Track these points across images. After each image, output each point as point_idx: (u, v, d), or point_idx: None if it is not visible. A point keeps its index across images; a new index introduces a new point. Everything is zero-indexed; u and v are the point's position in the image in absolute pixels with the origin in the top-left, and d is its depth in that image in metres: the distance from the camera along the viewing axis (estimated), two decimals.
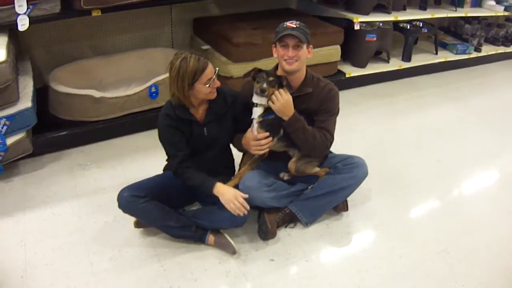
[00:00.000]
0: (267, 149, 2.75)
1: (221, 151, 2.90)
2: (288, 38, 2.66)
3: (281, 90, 2.65)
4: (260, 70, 2.71)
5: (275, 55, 2.81)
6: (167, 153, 2.76)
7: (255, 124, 2.72)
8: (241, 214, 2.59)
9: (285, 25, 2.70)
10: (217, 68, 2.64)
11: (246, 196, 2.62)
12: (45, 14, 3.38)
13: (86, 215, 3.03)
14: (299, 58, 2.71)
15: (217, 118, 2.75)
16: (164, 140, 2.69)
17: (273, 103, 2.64)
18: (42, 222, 2.96)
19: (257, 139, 2.70)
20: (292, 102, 2.66)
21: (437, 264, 2.82)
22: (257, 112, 2.71)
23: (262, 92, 2.61)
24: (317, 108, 2.83)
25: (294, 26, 2.67)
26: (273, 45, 2.80)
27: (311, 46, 2.79)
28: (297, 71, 2.76)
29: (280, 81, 2.67)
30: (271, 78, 2.63)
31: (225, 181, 2.80)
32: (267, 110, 2.70)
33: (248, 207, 2.61)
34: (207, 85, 2.55)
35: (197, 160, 2.70)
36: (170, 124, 2.63)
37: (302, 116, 2.71)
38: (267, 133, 2.70)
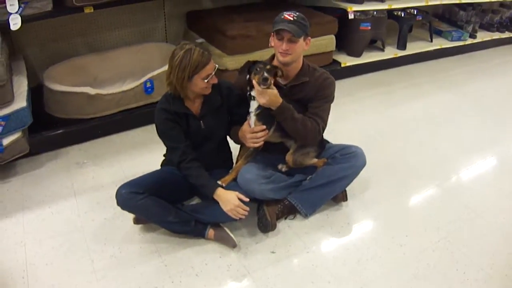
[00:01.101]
0: (262, 142, 2.75)
1: (218, 144, 2.90)
2: (284, 31, 2.65)
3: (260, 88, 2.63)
4: (254, 62, 2.69)
5: (272, 44, 2.80)
6: (167, 147, 2.77)
7: (252, 117, 2.71)
8: (243, 217, 2.62)
9: (282, 17, 2.68)
10: (216, 65, 2.64)
11: (247, 200, 2.63)
12: (37, 12, 3.35)
13: (85, 213, 3.02)
14: (294, 51, 2.70)
15: (213, 111, 2.75)
16: (163, 134, 2.70)
17: (258, 97, 2.64)
18: (41, 222, 2.95)
19: (254, 131, 2.70)
20: (277, 93, 2.65)
21: (437, 252, 2.82)
22: (254, 104, 2.70)
23: (264, 81, 2.57)
24: (313, 96, 2.82)
25: (291, 18, 2.65)
26: (272, 34, 2.78)
27: (309, 38, 2.78)
28: (291, 63, 2.75)
29: (275, 71, 2.67)
30: (268, 67, 2.62)
31: (223, 174, 2.81)
32: None
33: (248, 209, 2.63)
34: (205, 80, 2.55)
35: (196, 153, 2.70)
36: (167, 118, 2.63)
37: (290, 105, 2.70)
38: (264, 126, 2.70)
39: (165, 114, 2.64)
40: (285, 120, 2.71)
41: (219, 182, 2.72)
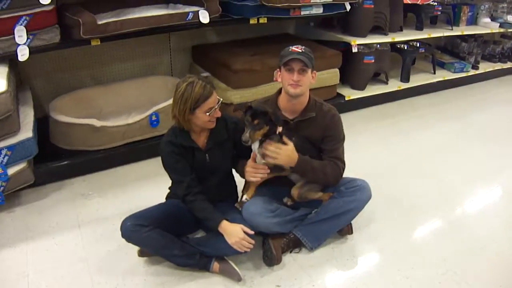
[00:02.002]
0: (260, 179, 2.75)
1: (224, 177, 2.89)
2: (294, 62, 2.68)
3: (278, 144, 2.64)
4: (250, 108, 2.65)
5: (279, 79, 2.82)
6: (172, 180, 2.77)
7: (258, 155, 2.71)
8: (248, 250, 2.60)
9: (290, 49, 2.71)
10: (221, 99, 2.65)
11: (252, 233, 2.62)
12: (45, 44, 3.41)
13: (89, 245, 3.01)
14: (304, 83, 2.72)
15: (219, 145, 2.76)
16: (168, 167, 2.70)
17: (275, 160, 2.65)
18: (45, 252, 2.94)
19: (256, 167, 2.73)
20: (293, 148, 2.67)
21: (444, 284, 2.79)
22: (255, 145, 2.70)
23: (245, 143, 2.59)
24: (321, 135, 2.84)
25: (300, 50, 2.69)
26: (278, 69, 2.82)
27: (314, 71, 2.81)
28: (301, 95, 2.77)
29: (269, 118, 2.61)
30: (256, 122, 2.58)
31: (227, 207, 2.83)
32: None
33: (253, 242, 2.62)
34: (208, 114, 2.56)
35: (200, 187, 2.70)
36: (173, 151, 2.64)
37: (307, 156, 2.73)
38: (266, 167, 2.71)
39: (170, 147, 2.65)
40: (304, 173, 2.76)
41: (239, 204, 2.78)
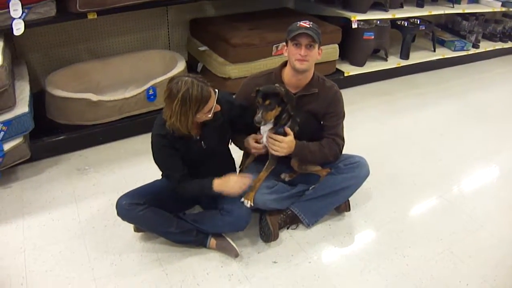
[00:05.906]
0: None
1: (222, 157, 2.86)
2: (302, 37, 2.64)
3: (278, 137, 2.64)
4: (260, 89, 2.61)
5: (285, 54, 2.79)
6: (162, 172, 2.69)
7: (265, 138, 2.69)
8: (247, 189, 2.61)
9: (298, 24, 2.67)
10: (217, 91, 2.51)
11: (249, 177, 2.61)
12: (41, 18, 3.35)
13: (86, 220, 3.01)
14: (311, 58, 2.69)
15: (214, 129, 2.65)
16: (159, 161, 2.61)
17: (277, 152, 2.66)
18: (42, 228, 2.93)
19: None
20: (292, 138, 2.67)
21: (440, 263, 2.80)
22: (265, 128, 2.68)
23: (257, 124, 2.57)
24: (323, 111, 2.83)
25: (308, 25, 2.65)
26: (284, 43, 2.79)
27: (321, 48, 2.78)
28: (307, 70, 2.75)
29: (280, 98, 2.58)
30: (267, 102, 2.55)
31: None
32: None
33: (250, 175, 2.61)
34: (209, 115, 2.47)
35: (198, 170, 2.63)
36: (165, 145, 2.52)
37: (303, 141, 2.72)
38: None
39: (162, 140, 2.51)
40: (303, 157, 2.77)
41: (243, 200, 2.70)
